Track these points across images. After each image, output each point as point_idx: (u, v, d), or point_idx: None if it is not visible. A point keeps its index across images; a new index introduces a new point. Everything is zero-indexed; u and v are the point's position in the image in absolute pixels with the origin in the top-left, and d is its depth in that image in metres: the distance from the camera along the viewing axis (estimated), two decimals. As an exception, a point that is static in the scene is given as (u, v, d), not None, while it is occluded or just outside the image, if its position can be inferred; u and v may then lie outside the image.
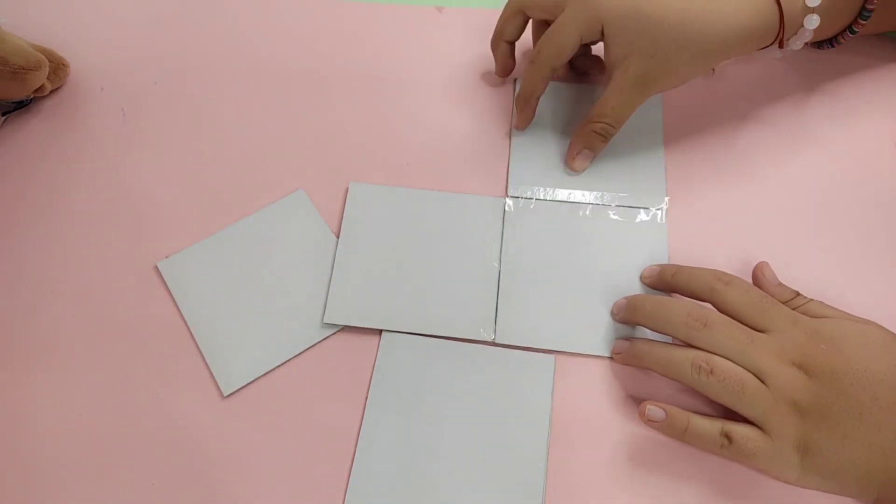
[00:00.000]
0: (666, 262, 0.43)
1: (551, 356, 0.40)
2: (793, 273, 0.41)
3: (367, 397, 0.40)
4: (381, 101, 0.50)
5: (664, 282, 0.41)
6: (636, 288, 0.42)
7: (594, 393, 0.40)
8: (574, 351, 0.41)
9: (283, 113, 0.50)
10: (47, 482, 0.39)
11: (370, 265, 0.44)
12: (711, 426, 0.36)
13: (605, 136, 0.44)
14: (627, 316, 0.40)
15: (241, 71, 0.52)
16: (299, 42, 0.54)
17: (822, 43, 0.46)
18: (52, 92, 0.51)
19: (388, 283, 0.43)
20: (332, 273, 0.43)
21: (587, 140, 0.45)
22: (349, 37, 0.54)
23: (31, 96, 0.50)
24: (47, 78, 0.50)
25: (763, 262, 0.41)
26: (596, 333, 0.41)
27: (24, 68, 0.47)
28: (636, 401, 0.39)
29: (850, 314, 0.37)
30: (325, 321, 0.42)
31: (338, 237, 0.45)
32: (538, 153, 0.47)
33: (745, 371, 0.35)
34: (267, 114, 0.50)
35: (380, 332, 0.42)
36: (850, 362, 0.34)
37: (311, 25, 0.54)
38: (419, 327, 0.42)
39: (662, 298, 0.40)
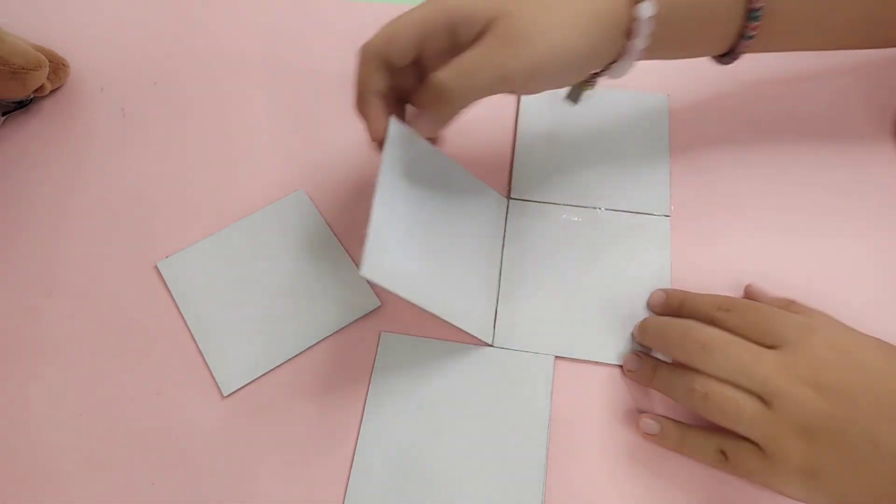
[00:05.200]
0: (668, 268, 0.43)
1: (550, 357, 0.40)
2: (795, 282, 0.41)
3: (366, 398, 0.40)
4: (381, 102, 0.50)
5: (671, 309, 0.40)
6: (637, 294, 0.42)
7: (593, 396, 0.40)
8: (572, 356, 0.41)
9: (283, 113, 0.50)
10: (47, 481, 0.39)
11: (404, 223, 0.39)
12: (706, 442, 0.35)
13: (438, 98, 0.35)
14: (639, 339, 0.40)
15: (240, 71, 0.52)
16: (299, 42, 0.54)
17: (723, 57, 0.40)
18: (52, 92, 0.51)
19: (414, 247, 0.39)
20: (371, 223, 0.36)
21: (419, 98, 0.37)
22: (349, 37, 0.54)
23: (31, 96, 0.50)
24: (47, 78, 0.50)
25: (749, 283, 0.40)
26: (595, 339, 0.41)
27: (24, 68, 0.47)
28: (635, 405, 0.39)
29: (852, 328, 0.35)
30: (361, 273, 0.35)
31: (376, 191, 0.37)
32: (542, 156, 0.47)
33: (745, 395, 0.33)
34: (267, 114, 0.50)
35: (379, 332, 0.42)
36: (868, 380, 0.31)
37: (311, 25, 0.54)
38: (431, 306, 0.38)
39: (664, 320, 0.39)
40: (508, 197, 0.46)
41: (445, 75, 0.35)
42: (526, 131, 0.48)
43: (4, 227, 0.47)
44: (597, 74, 0.39)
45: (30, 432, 0.40)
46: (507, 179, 0.46)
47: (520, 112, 0.48)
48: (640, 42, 0.36)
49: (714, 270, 0.41)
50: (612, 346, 0.41)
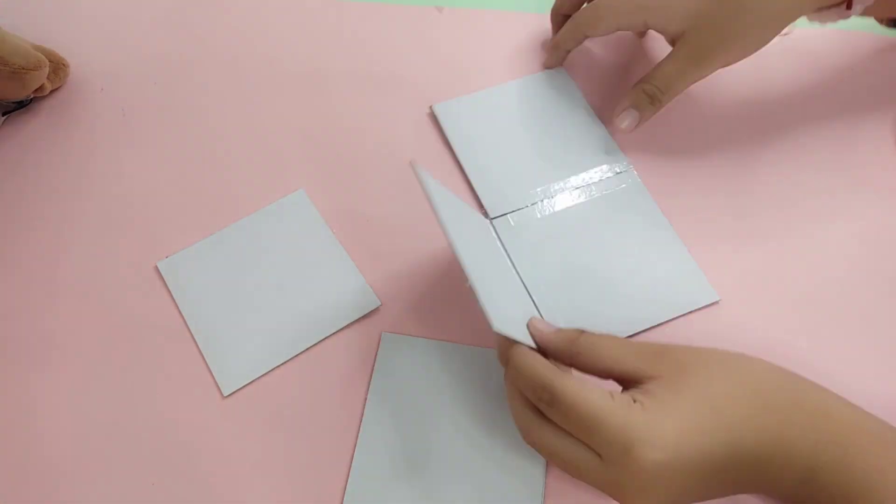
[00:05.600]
0: (659, 216, 0.44)
1: None
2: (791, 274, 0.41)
3: (366, 398, 0.40)
4: (381, 101, 0.50)
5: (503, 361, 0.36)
6: (641, 260, 0.43)
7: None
8: (626, 334, 0.41)
9: (283, 113, 0.50)
10: (47, 481, 0.39)
11: (480, 263, 0.37)
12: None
13: (653, 100, 0.44)
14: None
15: (240, 71, 0.52)
16: (299, 42, 0.54)
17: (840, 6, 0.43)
18: (52, 92, 0.51)
19: (495, 285, 0.38)
20: (470, 276, 0.34)
21: (635, 98, 0.45)
22: (349, 37, 0.54)
23: (31, 96, 0.50)
24: (47, 78, 0.50)
25: (532, 318, 0.36)
26: (638, 306, 0.42)
27: (24, 68, 0.47)
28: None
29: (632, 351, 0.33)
30: (495, 329, 0.32)
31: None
32: (491, 166, 0.47)
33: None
34: (267, 114, 0.50)
35: (379, 332, 0.42)
36: (691, 485, 0.31)
37: (311, 25, 0.54)
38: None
39: (511, 391, 0.35)
40: (489, 217, 0.45)
41: (656, 87, 0.44)
42: (462, 149, 0.48)
43: (5, 227, 0.47)
44: None
45: (30, 432, 0.40)
46: (477, 203, 0.46)
47: (448, 137, 0.48)
48: (857, 10, 0.41)
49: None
50: (621, 319, 0.41)
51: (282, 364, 0.41)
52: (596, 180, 0.46)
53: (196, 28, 0.55)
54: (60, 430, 0.40)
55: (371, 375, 0.41)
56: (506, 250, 0.44)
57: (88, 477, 0.39)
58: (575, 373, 0.33)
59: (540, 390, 0.32)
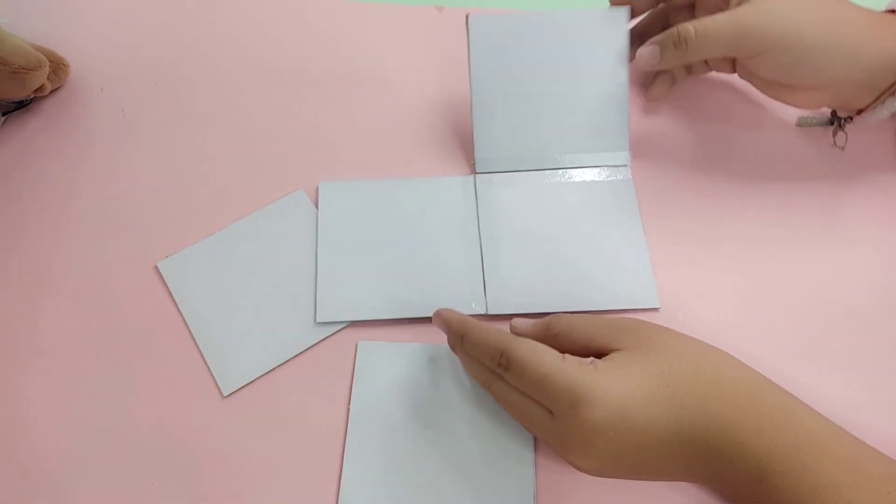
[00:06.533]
0: (636, 215, 0.44)
1: None
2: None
3: (348, 409, 0.40)
4: (381, 101, 0.50)
5: (454, 336, 0.38)
6: (608, 243, 0.44)
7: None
8: (567, 310, 0.40)
9: (283, 113, 0.50)
10: (47, 482, 0.39)
11: (354, 260, 0.44)
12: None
13: (678, 43, 0.41)
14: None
15: (240, 71, 0.52)
16: (299, 42, 0.54)
17: None
18: (52, 92, 0.51)
19: (374, 274, 0.43)
20: (316, 273, 0.43)
21: (663, 36, 0.42)
22: (349, 36, 0.54)
23: (31, 96, 0.50)
24: (47, 78, 0.50)
25: (513, 320, 0.38)
26: (584, 288, 0.42)
27: (24, 68, 0.47)
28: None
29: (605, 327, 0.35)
30: (317, 321, 0.42)
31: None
32: (500, 117, 0.46)
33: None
34: (267, 114, 0.50)
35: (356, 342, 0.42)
36: (637, 442, 0.32)
37: (310, 25, 0.54)
38: (412, 312, 0.42)
39: (469, 363, 0.37)
40: (474, 172, 0.46)
41: (688, 31, 0.40)
42: (480, 91, 0.46)
43: (4, 227, 0.47)
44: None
45: (29, 432, 0.40)
46: (469, 152, 0.47)
47: (472, 74, 0.46)
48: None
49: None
50: (600, 296, 0.42)
51: (282, 364, 0.41)
52: (591, 164, 0.46)
53: (196, 28, 0.55)
54: (60, 429, 0.40)
55: (351, 381, 0.41)
56: (477, 205, 0.45)
57: (88, 477, 0.39)
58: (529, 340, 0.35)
59: (497, 356, 0.34)
